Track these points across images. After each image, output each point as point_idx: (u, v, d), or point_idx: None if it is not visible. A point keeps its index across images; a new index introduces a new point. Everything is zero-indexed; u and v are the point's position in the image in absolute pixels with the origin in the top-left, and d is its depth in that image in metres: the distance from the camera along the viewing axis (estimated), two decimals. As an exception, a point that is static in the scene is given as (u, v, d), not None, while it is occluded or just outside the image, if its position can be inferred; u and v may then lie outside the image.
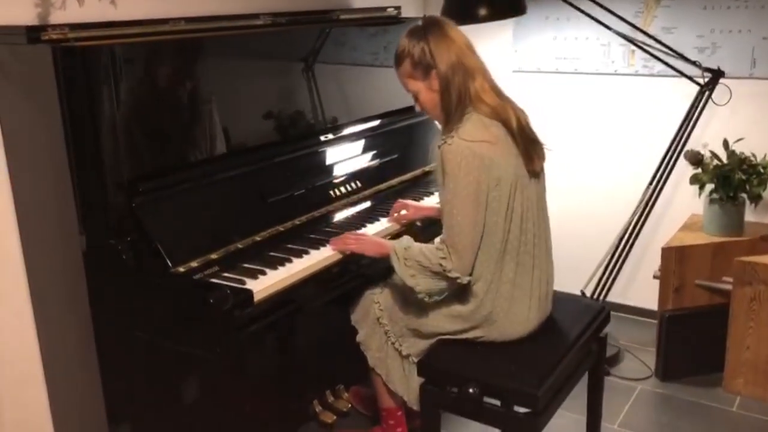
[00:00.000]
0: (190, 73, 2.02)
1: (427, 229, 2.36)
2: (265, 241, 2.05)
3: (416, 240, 2.01)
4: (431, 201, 2.49)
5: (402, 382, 2.15)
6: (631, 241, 2.98)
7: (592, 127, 3.29)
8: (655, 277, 2.87)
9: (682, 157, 2.87)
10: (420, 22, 1.94)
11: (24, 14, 1.88)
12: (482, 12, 2.55)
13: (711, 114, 2.91)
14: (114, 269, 1.80)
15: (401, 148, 2.62)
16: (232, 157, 2.12)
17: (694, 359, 2.84)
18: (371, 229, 2.26)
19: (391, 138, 2.64)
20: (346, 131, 2.54)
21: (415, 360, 2.07)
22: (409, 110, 2.60)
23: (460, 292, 1.97)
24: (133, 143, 1.84)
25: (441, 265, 1.87)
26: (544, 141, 2.01)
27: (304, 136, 2.39)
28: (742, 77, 2.89)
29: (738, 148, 2.78)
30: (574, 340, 2.02)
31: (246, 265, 1.94)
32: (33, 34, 1.75)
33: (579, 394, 2.16)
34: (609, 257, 3.01)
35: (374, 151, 2.57)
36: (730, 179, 2.72)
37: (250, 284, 1.83)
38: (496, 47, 3.43)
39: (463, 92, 1.87)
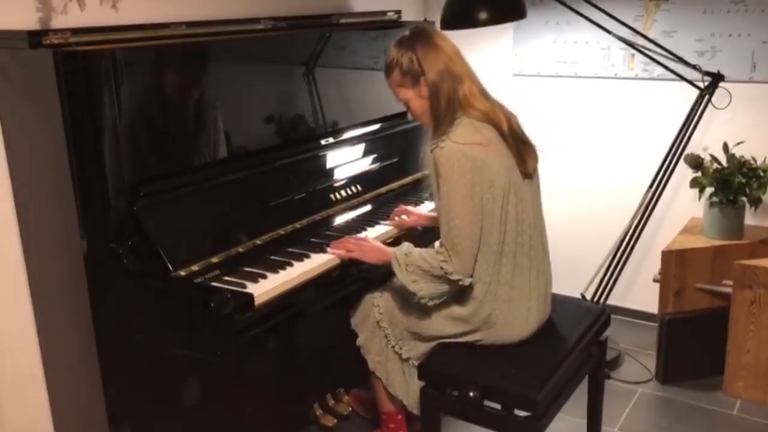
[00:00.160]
0: (191, 77, 2.03)
1: (426, 234, 2.37)
2: (265, 244, 2.06)
3: (415, 246, 2.02)
4: (431, 205, 2.49)
5: (402, 385, 2.15)
6: (631, 244, 2.98)
7: (593, 131, 3.29)
8: (655, 280, 2.87)
9: (682, 160, 2.87)
10: (407, 32, 1.97)
11: (25, 19, 1.88)
12: (482, 16, 2.55)
13: (711, 118, 2.92)
14: (115, 273, 1.80)
15: (401, 152, 2.62)
16: (232, 161, 2.12)
17: (694, 362, 2.84)
18: (371, 233, 2.26)
19: (391, 142, 2.64)
20: (347, 135, 2.54)
21: (416, 363, 2.08)
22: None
23: (459, 295, 1.98)
24: (134, 147, 1.85)
25: (442, 268, 1.88)
26: (538, 143, 2.03)
27: (304, 140, 2.39)
28: (742, 81, 2.89)
29: (738, 151, 2.78)
30: (574, 343, 2.02)
31: (247, 269, 1.95)
32: (34, 38, 1.76)
33: (579, 398, 2.16)
34: (609, 260, 3.01)
35: (374, 155, 2.58)
36: (730, 183, 2.72)
37: (251, 288, 1.84)
38: (496, 51, 3.44)
39: (453, 97, 1.90)
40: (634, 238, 2.97)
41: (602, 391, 2.23)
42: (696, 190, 2.82)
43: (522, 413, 1.85)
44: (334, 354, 2.52)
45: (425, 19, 2.96)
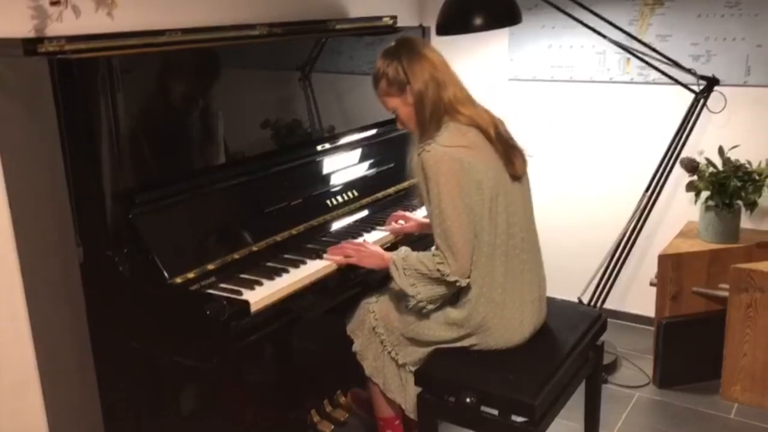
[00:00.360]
0: (187, 84, 2.03)
1: (422, 239, 2.37)
2: (262, 251, 2.05)
3: (413, 250, 2.02)
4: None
5: (399, 391, 2.15)
6: (628, 248, 2.98)
7: (589, 135, 3.30)
8: (651, 284, 2.88)
9: (678, 164, 2.88)
10: (393, 43, 2.02)
11: (20, 26, 1.88)
12: (478, 21, 2.55)
13: (706, 121, 2.92)
14: (111, 280, 1.80)
15: (398, 157, 2.62)
16: (228, 167, 2.12)
17: (691, 366, 2.84)
18: (368, 239, 2.26)
19: (387, 147, 2.65)
20: (343, 140, 2.54)
21: (412, 369, 2.08)
22: (405, 119, 2.60)
23: (454, 299, 1.99)
24: (130, 154, 1.84)
25: (439, 270, 1.89)
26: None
27: (300, 146, 2.40)
28: (737, 85, 2.90)
29: (733, 155, 2.79)
30: (571, 348, 2.02)
31: (243, 276, 1.95)
32: (30, 46, 1.76)
33: (576, 402, 2.16)
34: (606, 264, 3.01)
35: (371, 160, 2.58)
36: (725, 186, 2.73)
37: (247, 295, 1.84)
38: (491, 56, 3.45)
39: (438, 104, 1.94)
40: (630, 242, 2.98)
41: (599, 396, 2.23)
42: (692, 194, 2.83)
43: (519, 419, 1.85)
44: (330, 360, 2.51)
45: (421, 25, 2.96)
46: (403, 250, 2.01)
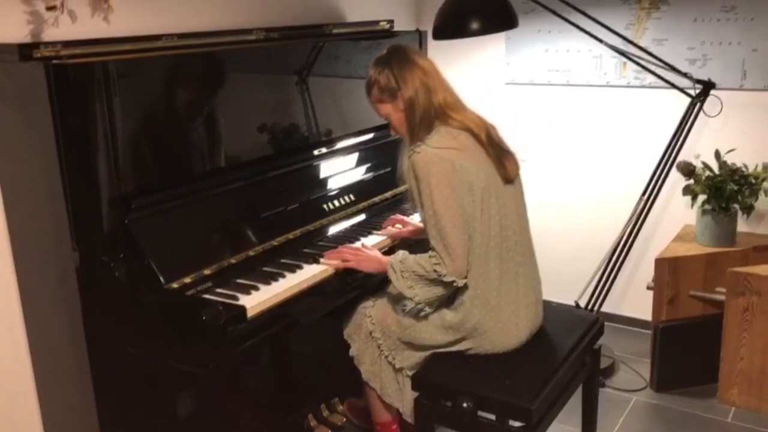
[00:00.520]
0: (183, 88, 2.03)
1: (419, 243, 2.36)
2: (258, 255, 2.05)
3: (410, 253, 2.02)
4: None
5: (397, 395, 2.15)
6: (624, 251, 2.98)
7: (585, 139, 3.30)
8: (648, 287, 2.88)
9: (674, 168, 2.88)
10: (384, 51, 2.06)
11: (16, 31, 1.88)
12: (474, 26, 2.56)
13: (703, 125, 2.93)
14: (107, 285, 1.80)
15: (395, 162, 2.59)
16: (225, 172, 2.12)
17: (688, 370, 2.84)
18: (365, 243, 2.26)
19: (384, 151, 2.64)
20: (340, 145, 2.54)
21: (409, 373, 2.08)
22: (402, 123, 2.60)
23: (449, 302, 2.00)
24: (126, 159, 1.84)
25: (436, 271, 1.90)
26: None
27: (297, 150, 2.40)
28: (733, 89, 2.91)
29: (730, 159, 2.79)
30: (568, 352, 2.02)
31: (239, 281, 1.94)
32: (25, 51, 1.76)
33: (573, 407, 2.16)
34: (603, 268, 3.01)
35: (368, 165, 2.58)
36: (722, 190, 2.73)
37: (243, 300, 1.84)
38: (488, 60, 3.45)
39: (428, 109, 1.97)
40: (627, 246, 2.98)
41: (596, 400, 2.23)
42: (689, 198, 2.83)
43: (516, 423, 1.85)
44: (327, 364, 2.51)
45: (418, 29, 2.97)
46: (401, 253, 2.02)
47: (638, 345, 3.16)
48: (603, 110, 3.24)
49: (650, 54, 2.87)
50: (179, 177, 2.01)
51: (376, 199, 2.52)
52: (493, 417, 1.88)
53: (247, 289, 1.89)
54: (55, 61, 1.73)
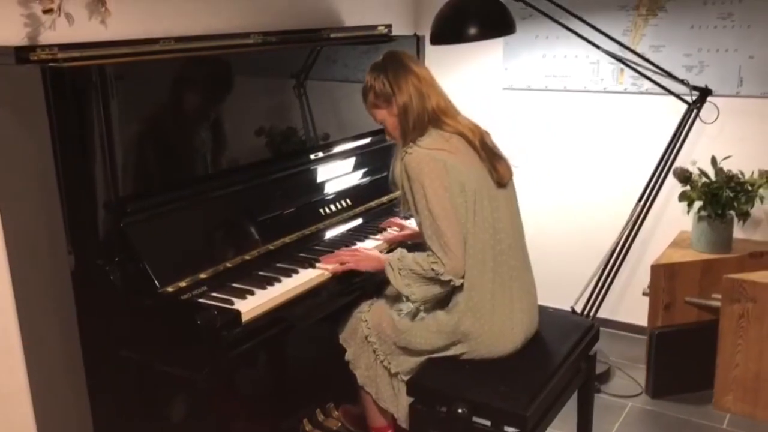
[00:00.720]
0: (180, 92, 2.03)
1: (416, 247, 2.36)
2: (254, 260, 2.05)
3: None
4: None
5: (392, 400, 2.14)
6: (621, 257, 2.99)
7: (582, 145, 3.31)
8: (644, 293, 2.88)
9: (670, 174, 2.89)
10: (380, 57, 2.08)
11: (13, 34, 1.88)
12: (472, 31, 2.56)
13: (699, 132, 2.94)
14: (102, 289, 1.80)
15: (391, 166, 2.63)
16: (221, 176, 2.12)
17: (683, 376, 2.84)
18: (362, 247, 2.26)
19: (381, 155, 2.64)
20: (337, 149, 2.54)
21: (405, 378, 2.07)
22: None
23: (444, 304, 2.00)
24: (122, 163, 1.84)
25: (433, 270, 1.91)
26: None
27: (294, 154, 2.40)
28: (730, 95, 2.92)
29: (726, 165, 2.80)
30: (563, 358, 2.01)
31: (235, 285, 1.94)
32: (22, 54, 1.75)
33: (569, 412, 2.16)
34: (599, 274, 3.02)
35: (365, 169, 2.58)
36: (718, 197, 2.74)
37: (238, 304, 1.83)
38: (486, 65, 3.46)
39: (421, 114, 1.99)
40: (623, 252, 2.98)
41: (592, 406, 2.23)
42: (685, 204, 2.84)
43: (511, 429, 1.84)
44: (322, 369, 2.51)
45: (415, 34, 2.97)
46: (399, 251, 2.04)
47: (634, 351, 3.16)
48: (600, 116, 3.25)
49: (647, 60, 2.88)
50: (176, 180, 2.00)
51: (373, 203, 2.52)
52: (488, 423, 1.88)
53: (242, 294, 1.89)
54: (51, 64, 1.73)
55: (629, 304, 3.28)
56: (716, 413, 2.73)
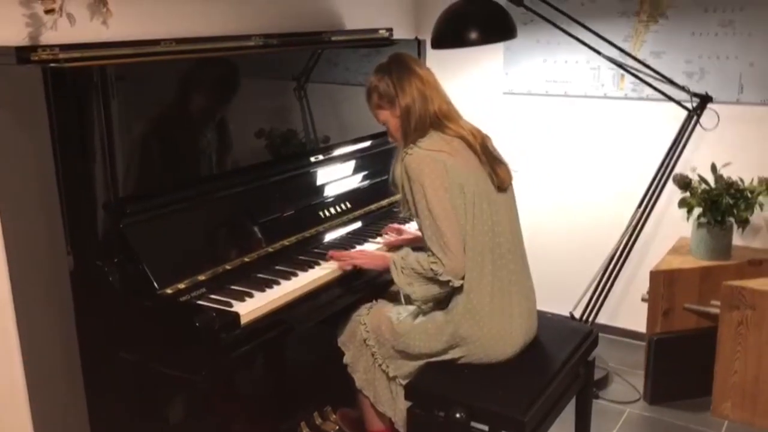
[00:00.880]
0: (181, 94, 2.03)
1: (415, 250, 2.36)
2: (253, 262, 2.05)
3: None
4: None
5: (390, 404, 2.14)
6: (620, 263, 2.98)
7: (582, 150, 3.31)
8: (643, 299, 2.88)
9: (670, 180, 2.89)
10: (386, 59, 2.10)
11: (14, 34, 1.88)
12: (473, 36, 2.57)
13: (699, 138, 2.93)
14: (101, 290, 1.79)
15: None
16: (222, 178, 2.12)
17: (682, 383, 2.84)
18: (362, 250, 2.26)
19: (381, 159, 2.64)
20: (337, 152, 2.54)
21: (403, 382, 2.07)
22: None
23: (443, 306, 2.01)
24: (122, 164, 1.84)
25: (433, 270, 1.92)
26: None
27: (294, 157, 2.40)
28: (730, 102, 2.92)
29: (725, 172, 2.80)
30: (561, 363, 2.01)
31: (234, 287, 1.94)
32: (23, 54, 1.75)
33: (567, 418, 2.15)
34: (598, 279, 3.01)
35: (365, 172, 2.58)
36: (718, 203, 2.73)
37: (237, 307, 1.83)
38: (487, 70, 3.46)
39: (423, 117, 2.01)
40: (623, 258, 2.98)
41: (590, 412, 2.23)
42: (684, 211, 2.83)
43: (509, 434, 1.84)
44: (321, 372, 2.50)
45: (416, 38, 2.97)
46: (404, 250, 2.06)
47: (632, 357, 3.16)
48: (600, 122, 3.25)
49: (648, 66, 2.88)
50: (176, 182, 2.00)
51: (373, 206, 2.52)
52: (486, 428, 1.88)
53: (241, 296, 1.89)
54: (52, 65, 1.73)
55: (628, 310, 3.28)
56: (714, 420, 2.72)
